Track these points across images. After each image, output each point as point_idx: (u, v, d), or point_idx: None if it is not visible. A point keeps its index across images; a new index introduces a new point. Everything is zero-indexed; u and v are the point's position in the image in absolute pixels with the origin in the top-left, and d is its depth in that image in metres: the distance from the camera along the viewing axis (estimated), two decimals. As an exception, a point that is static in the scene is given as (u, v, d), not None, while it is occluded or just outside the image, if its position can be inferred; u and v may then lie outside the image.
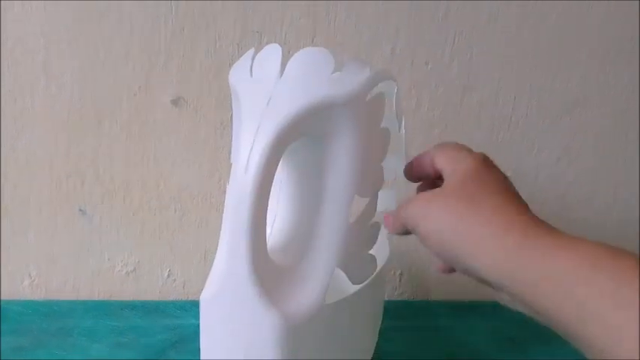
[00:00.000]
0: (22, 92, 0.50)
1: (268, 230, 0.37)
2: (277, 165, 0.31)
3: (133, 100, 0.51)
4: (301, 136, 0.33)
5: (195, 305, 0.52)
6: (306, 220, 0.35)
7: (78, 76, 0.50)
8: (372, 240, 0.37)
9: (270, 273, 0.32)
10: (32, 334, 0.48)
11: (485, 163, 0.32)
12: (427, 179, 0.35)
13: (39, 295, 0.55)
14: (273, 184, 0.33)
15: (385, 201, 0.38)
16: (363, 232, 0.36)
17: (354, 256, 0.36)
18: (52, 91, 0.50)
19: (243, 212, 0.30)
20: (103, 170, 0.52)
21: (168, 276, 0.56)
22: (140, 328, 0.50)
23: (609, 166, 0.58)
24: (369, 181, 0.35)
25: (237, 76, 0.34)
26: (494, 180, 0.31)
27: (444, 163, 0.33)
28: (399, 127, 0.39)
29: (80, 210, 0.53)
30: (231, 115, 0.52)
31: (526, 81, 0.55)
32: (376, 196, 0.36)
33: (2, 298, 0.53)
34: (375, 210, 0.36)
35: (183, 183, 0.53)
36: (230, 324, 0.33)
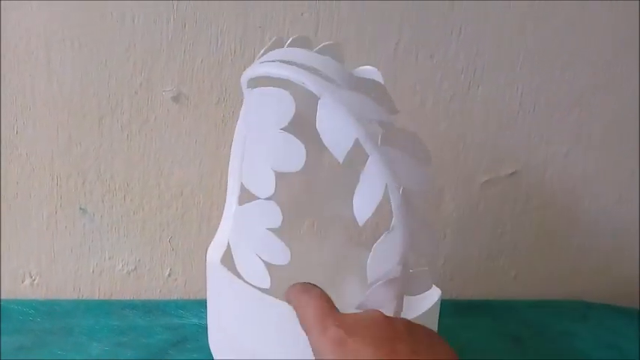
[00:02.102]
0: (24, 90, 0.49)
1: None
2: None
3: (134, 98, 0.50)
4: None
5: (196, 304, 0.53)
6: None
7: (79, 73, 0.49)
8: (265, 246, 0.34)
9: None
10: (33, 334, 0.48)
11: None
12: None
13: (39, 294, 0.54)
14: None
15: (269, 214, 0.33)
16: (247, 226, 0.34)
17: (237, 245, 0.36)
18: (53, 89, 0.50)
19: None
20: (104, 169, 0.52)
21: (169, 275, 0.55)
22: (141, 327, 0.49)
23: (618, 159, 0.57)
24: (253, 177, 0.34)
25: None
26: None
27: None
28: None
29: (81, 209, 0.53)
30: (233, 111, 0.52)
31: (533, 74, 0.54)
32: (261, 200, 0.33)
33: (3, 298, 0.53)
34: (264, 210, 0.33)
35: (184, 181, 0.53)
36: None
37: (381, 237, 0.30)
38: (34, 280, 0.54)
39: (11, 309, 0.51)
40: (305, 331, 0.29)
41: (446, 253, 0.57)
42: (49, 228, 0.53)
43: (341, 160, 0.30)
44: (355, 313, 0.28)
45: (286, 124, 0.31)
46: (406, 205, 0.30)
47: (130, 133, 0.51)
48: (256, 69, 0.33)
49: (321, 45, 0.36)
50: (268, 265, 0.34)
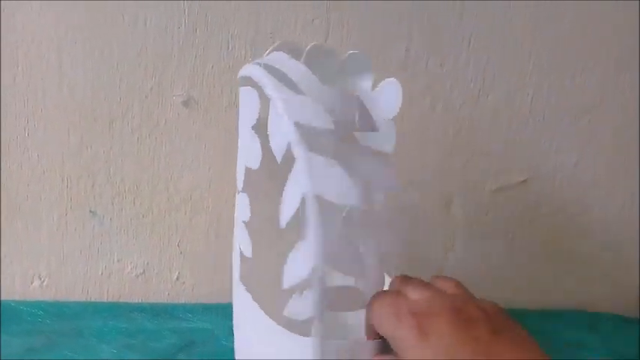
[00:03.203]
0: (35, 92, 0.50)
1: None
2: None
3: (144, 102, 0.51)
4: None
5: (204, 309, 0.53)
6: None
7: (90, 77, 0.50)
8: (239, 236, 0.36)
9: None
10: (42, 335, 0.48)
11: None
12: None
13: (49, 295, 0.55)
14: None
15: (241, 206, 0.36)
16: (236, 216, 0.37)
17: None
18: (64, 92, 0.50)
19: None
20: (114, 171, 0.52)
21: (178, 279, 0.55)
22: (149, 330, 0.50)
23: (628, 168, 0.57)
24: (237, 171, 0.36)
25: None
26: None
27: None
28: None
29: (91, 211, 0.53)
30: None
31: (543, 83, 0.54)
32: (240, 193, 0.36)
33: (12, 299, 0.53)
34: (241, 205, 0.36)
35: (193, 185, 0.53)
36: None
37: (295, 245, 0.29)
38: (44, 281, 0.54)
39: (20, 310, 0.51)
40: (381, 332, 0.29)
41: (454, 261, 0.57)
42: (58, 230, 0.53)
43: (279, 161, 0.30)
44: (423, 299, 0.29)
45: (254, 122, 0.33)
46: (322, 214, 0.28)
47: (140, 137, 0.51)
48: (242, 69, 0.35)
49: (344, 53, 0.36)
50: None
